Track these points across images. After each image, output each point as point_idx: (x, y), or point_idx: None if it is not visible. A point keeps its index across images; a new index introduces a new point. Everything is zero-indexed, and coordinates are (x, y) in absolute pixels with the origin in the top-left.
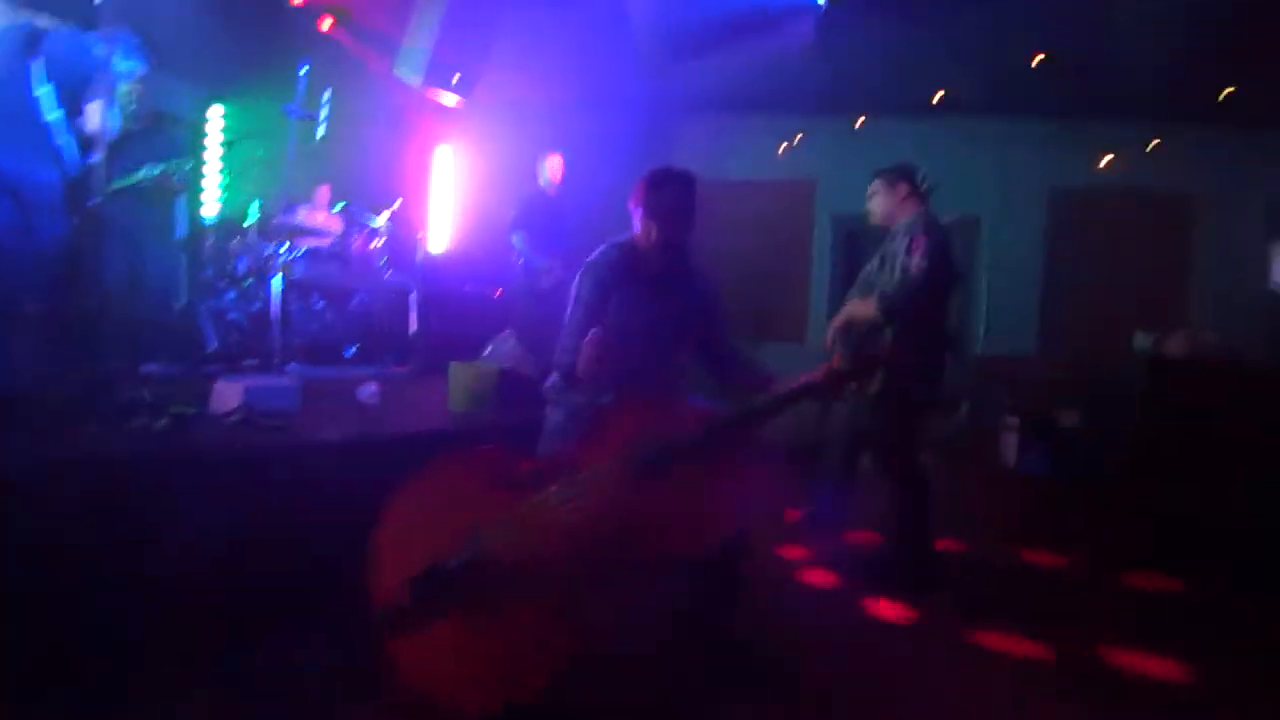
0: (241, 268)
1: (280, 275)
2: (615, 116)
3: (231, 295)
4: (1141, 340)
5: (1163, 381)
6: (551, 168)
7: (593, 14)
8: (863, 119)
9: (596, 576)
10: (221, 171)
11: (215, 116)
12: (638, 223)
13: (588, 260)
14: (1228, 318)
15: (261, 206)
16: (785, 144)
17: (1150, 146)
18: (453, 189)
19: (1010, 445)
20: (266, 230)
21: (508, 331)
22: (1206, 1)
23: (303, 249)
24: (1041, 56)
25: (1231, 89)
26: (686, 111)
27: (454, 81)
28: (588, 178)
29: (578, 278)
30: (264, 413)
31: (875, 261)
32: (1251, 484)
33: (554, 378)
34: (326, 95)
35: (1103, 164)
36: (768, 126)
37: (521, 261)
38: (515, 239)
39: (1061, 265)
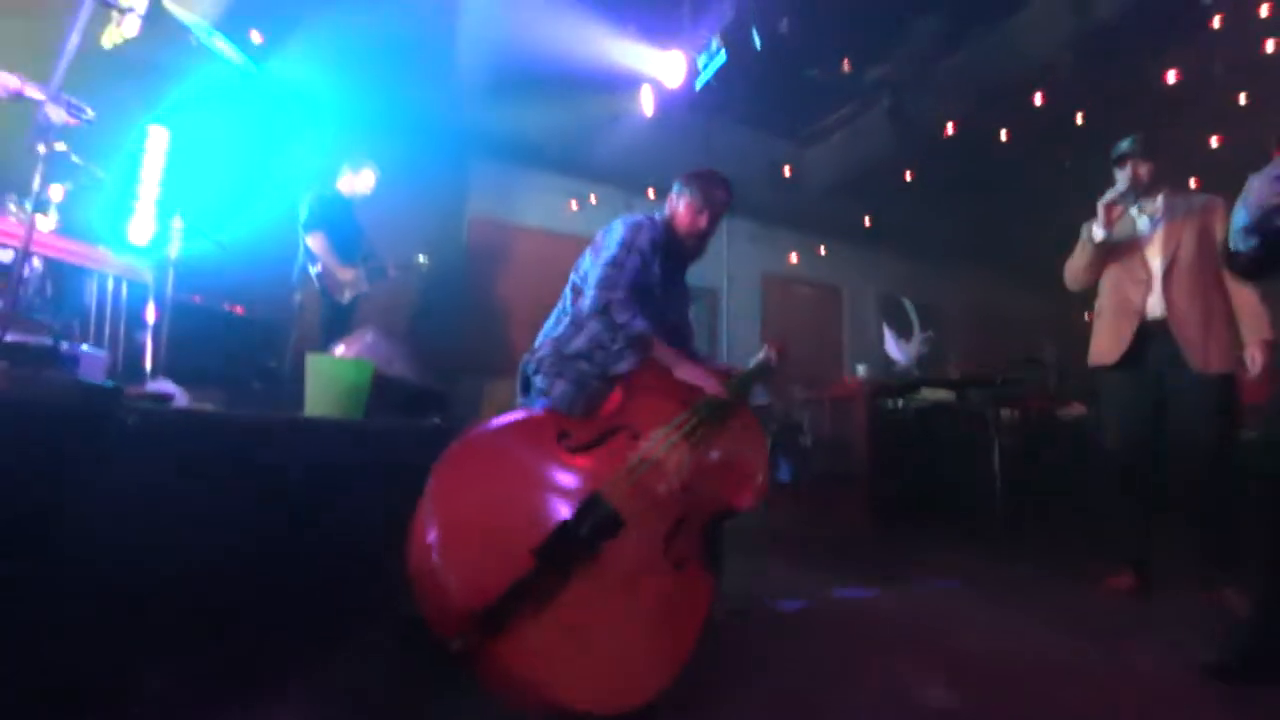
0: None
1: None
2: (416, 142)
3: None
4: (863, 370)
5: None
6: (364, 179)
7: (419, 29)
8: (651, 192)
9: (710, 522)
10: None
11: None
12: (684, 208)
13: (637, 219)
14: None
15: None
16: (575, 201)
17: (820, 251)
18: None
19: None
20: None
21: (364, 329)
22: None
23: None
24: (786, 173)
25: (867, 220)
26: (486, 154)
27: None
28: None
29: (630, 232)
30: None
31: None
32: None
33: (568, 344)
34: None
35: (792, 260)
36: (560, 185)
37: (318, 269)
38: (313, 241)
39: (770, 327)
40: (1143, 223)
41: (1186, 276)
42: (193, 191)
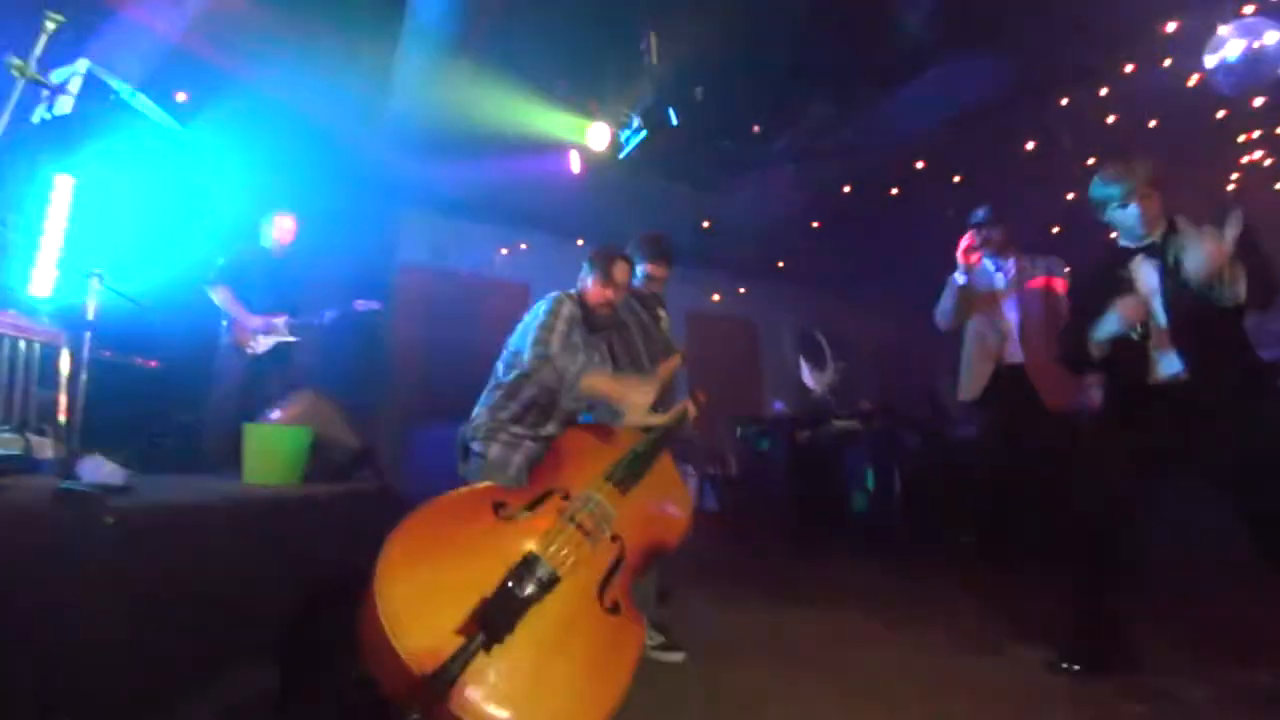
0: None
1: None
2: (346, 194)
3: None
4: (780, 406)
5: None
6: (281, 228)
7: (351, 89)
8: (580, 241)
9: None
10: None
11: None
12: (592, 285)
13: (557, 296)
14: (787, 395)
15: None
16: (505, 248)
17: (740, 290)
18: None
19: (691, 490)
20: None
21: (305, 389)
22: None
23: None
24: (705, 224)
25: (780, 263)
26: (416, 205)
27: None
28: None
29: (557, 307)
30: None
31: None
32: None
33: (501, 410)
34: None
35: (714, 299)
36: (490, 234)
37: (227, 323)
38: (215, 295)
39: (698, 363)
40: (999, 280)
41: (1040, 328)
42: (110, 247)
